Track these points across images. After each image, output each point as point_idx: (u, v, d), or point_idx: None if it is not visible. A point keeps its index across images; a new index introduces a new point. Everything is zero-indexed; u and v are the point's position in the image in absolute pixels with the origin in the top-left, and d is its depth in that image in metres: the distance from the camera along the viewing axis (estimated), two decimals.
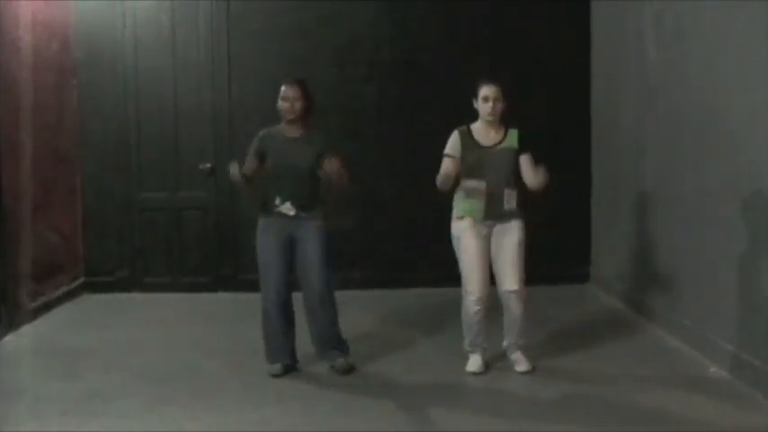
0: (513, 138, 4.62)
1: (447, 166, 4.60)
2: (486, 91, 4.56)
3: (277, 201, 4.59)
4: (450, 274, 4.88)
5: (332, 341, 4.73)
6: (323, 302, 4.63)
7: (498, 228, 4.60)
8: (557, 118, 6.72)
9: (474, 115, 4.65)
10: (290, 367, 4.72)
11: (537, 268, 4.90)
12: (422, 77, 6.84)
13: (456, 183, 4.63)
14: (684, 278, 5.16)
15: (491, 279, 4.63)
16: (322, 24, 6.82)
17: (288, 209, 4.59)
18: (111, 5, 6.79)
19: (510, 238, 4.58)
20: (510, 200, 4.59)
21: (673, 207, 5.32)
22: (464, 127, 4.65)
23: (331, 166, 4.46)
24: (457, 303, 4.73)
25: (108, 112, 6.85)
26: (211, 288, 6.88)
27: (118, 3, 6.79)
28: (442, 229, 4.76)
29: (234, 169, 4.51)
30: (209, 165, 6.87)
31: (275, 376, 4.64)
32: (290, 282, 4.69)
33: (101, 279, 6.88)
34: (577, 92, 6.90)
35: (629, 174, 6.07)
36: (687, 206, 5.08)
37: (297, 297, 4.70)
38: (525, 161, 4.61)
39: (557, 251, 6.62)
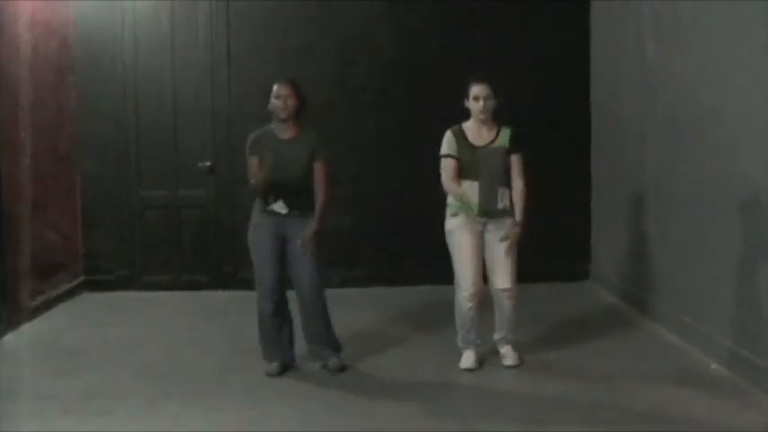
0: (505, 136, 4.63)
1: (450, 169, 4.60)
2: (476, 90, 4.59)
3: (270, 199, 4.60)
4: (448, 272, 4.88)
5: (324, 340, 4.73)
6: (314, 301, 4.64)
7: (492, 225, 4.62)
8: (556, 117, 6.73)
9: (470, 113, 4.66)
10: (288, 365, 4.72)
11: (537, 265, 4.91)
12: (422, 77, 6.84)
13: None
14: (684, 275, 5.16)
15: (484, 275, 4.65)
16: (322, 24, 6.82)
17: (280, 207, 4.59)
18: (111, 4, 6.78)
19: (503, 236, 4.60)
20: (503, 198, 4.61)
21: (672, 205, 5.32)
22: (456, 126, 4.68)
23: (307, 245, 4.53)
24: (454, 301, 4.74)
25: (107, 111, 6.85)
26: (211, 286, 6.88)
27: (117, 2, 6.78)
28: (442, 227, 4.76)
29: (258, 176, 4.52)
30: (208, 163, 6.87)
31: (273, 375, 4.64)
32: (286, 279, 4.68)
33: (100, 277, 6.88)
34: (577, 91, 6.91)
35: (629, 173, 6.08)
36: (687, 205, 5.09)
37: (293, 295, 4.70)
38: (514, 162, 4.62)
39: (557, 249, 6.64)
